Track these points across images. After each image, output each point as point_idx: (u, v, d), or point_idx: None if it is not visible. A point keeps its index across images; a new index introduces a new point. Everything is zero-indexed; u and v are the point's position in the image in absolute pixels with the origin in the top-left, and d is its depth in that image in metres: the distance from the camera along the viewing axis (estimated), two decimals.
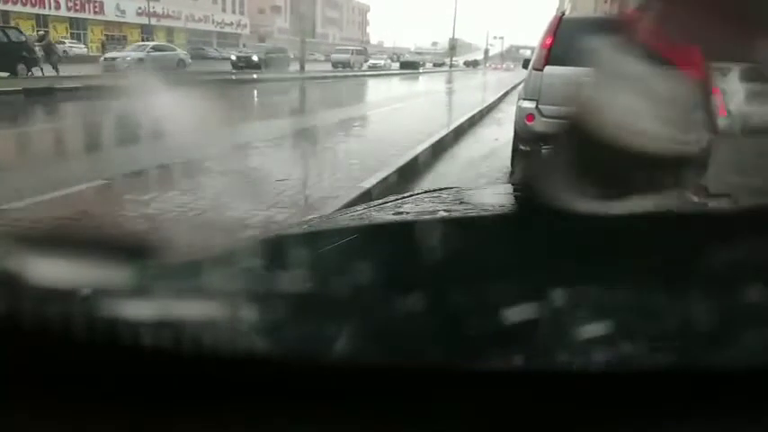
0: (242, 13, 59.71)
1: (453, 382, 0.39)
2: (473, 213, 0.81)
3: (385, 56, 52.04)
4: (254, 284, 0.47)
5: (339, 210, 1.23)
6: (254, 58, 28.81)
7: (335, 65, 38.52)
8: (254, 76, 22.30)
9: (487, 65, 77.46)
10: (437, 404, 0.39)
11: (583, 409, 0.39)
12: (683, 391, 0.40)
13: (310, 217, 1.03)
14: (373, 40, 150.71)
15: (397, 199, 1.01)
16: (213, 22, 54.53)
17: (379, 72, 36.31)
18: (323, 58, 54.07)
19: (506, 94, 19.34)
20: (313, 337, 0.40)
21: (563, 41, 5.14)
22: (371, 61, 45.58)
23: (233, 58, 29.94)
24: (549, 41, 5.28)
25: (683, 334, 0.42)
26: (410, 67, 45.18)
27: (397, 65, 48.45)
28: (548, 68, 5.21)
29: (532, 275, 0.47)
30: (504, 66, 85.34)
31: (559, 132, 0.62)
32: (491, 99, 16.23)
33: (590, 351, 0.39)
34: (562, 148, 0.62)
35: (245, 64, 27.91)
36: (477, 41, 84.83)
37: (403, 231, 0.72)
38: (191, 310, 0.41)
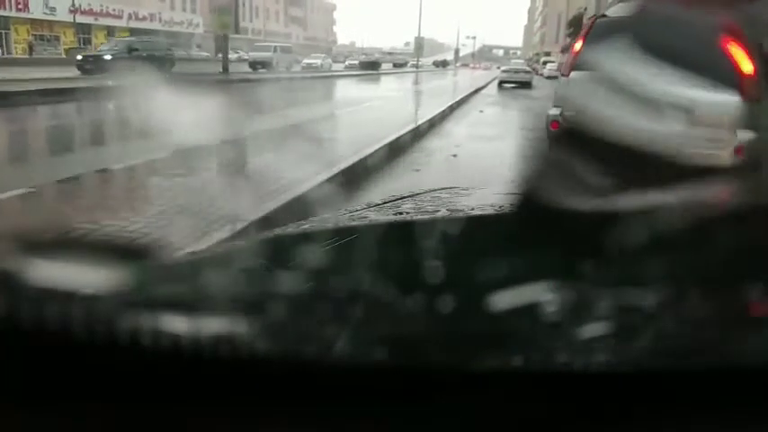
0: (194, 11, 55.43)
1: (453, 381, 0.39)
2: (473, 213, 0.83)
3: (323, 55, 43.47)
4: (254, 284, 0.48)
5: (339, 210, 1.08)
6: (107, 57, 19.27)
7: (254, 65, 29.85)
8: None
9: (458, 64, 74.73)
10: (437, 404, 0.40)
11: (583, 409, 0.40)
12: (682, 391, 0.40)
13: (310, 217, 0.95)
14: (344, 40, 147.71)
15: (397, 199, 1.03)
16: (161, 21, 50.26)
17: (313, 74, 30.08)
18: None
19: (461, 102, 15.64)
20: (313, 337, 0.40)
21: (595, 45, 5.04)
22: (306, 61, 38.55)
23: (79, 57, 20.51)
24: (577, 46, 5.40)
25: (682, 334, 0.43)
26: (370, 67, 41.21)
27: (344, 65, 43.33)
28: (573, 74, 5.23)
29: (533, 275, 0.47)
30: (482, 65, 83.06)
31: (561, 135, 0.64)
32: (429, 115, 11.04)
33: (590, 351, 0.40)
34: (564, 151, 0.63)
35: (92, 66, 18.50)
36: (451, 41, 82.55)
37: (403, 231, 0.74)
38: (190, 310, 0.41)
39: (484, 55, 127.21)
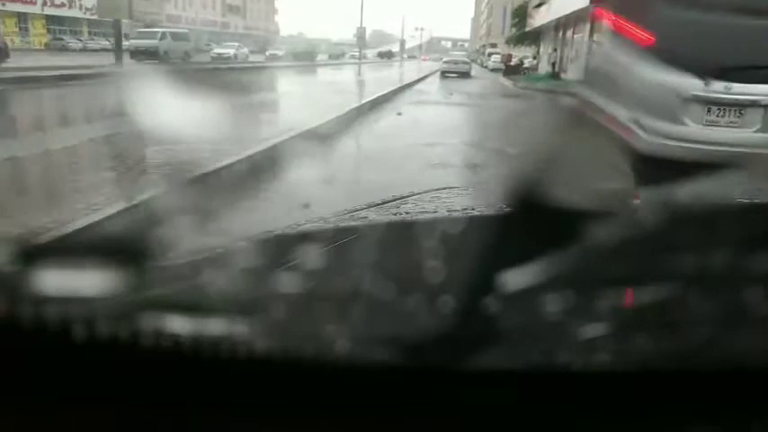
0: None
1: (452, 381, 0.40)
2: (473, 213, 0.83)
3: (237, 44, 36.75)
4: (254, 285, 0.48)
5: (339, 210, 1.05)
6: None
7: (136, 55, 23.45)
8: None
9: (405, 56, 72.67)
10: (436, 404, 0.40)
11: (583, 409, 0.40)
12: (682, 391, 0.40)
13: (310, 217, 0.94)
14: (292, 31, 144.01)
15: (397, 199, 1.03)
16: (81, 8, 46.43)
17: (218, 66, 24.93)
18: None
19: (377, 104, 12.04)
20: (313, 337, 0.40)
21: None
22: (217, 50, 33.58)
23: None
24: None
25: (682, 334, 0.43)
26: (304, 58, 38.43)
27: (265, 55, 39.02)
28: None
29: (533, 275, 0.46)
30: (430, 57, 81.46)
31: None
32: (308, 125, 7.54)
33: (590, 351, 0.40)
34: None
35: None
36: (399, 33, 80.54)
37: (403, 231, 0.74)
38: (190, 311, 0.41)
39: (432, 47, 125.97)
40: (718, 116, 4.10)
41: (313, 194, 3.82)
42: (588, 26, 20.41)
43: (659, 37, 4.02)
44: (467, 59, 32.77)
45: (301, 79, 22.11)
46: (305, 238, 0.74)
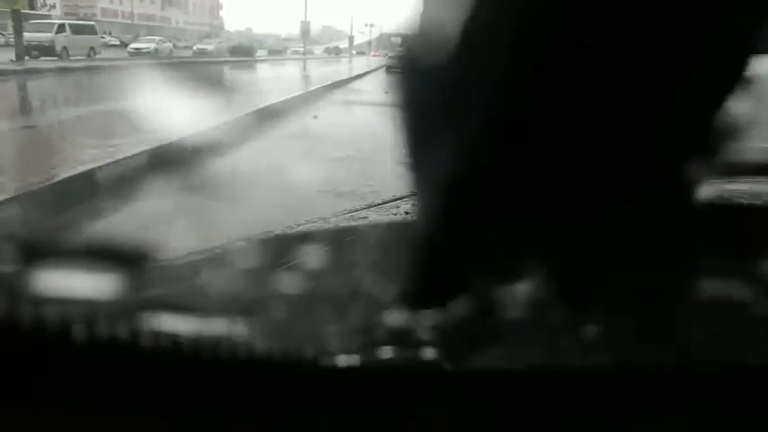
0: None
1: (453, 381, 0.40)
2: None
3: (158, 38, 33.86)
4: (254, 284, 0.48)
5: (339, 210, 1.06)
6: None
7: (29, 51, 19.51)
8: None
9: (353, 52, 71.07)
10: (436, 404, 0.40)
11: (583, 409, 0.40)
12: (682, 391, 0.40)
13: (310, 218, 0.92)
14: (240, 27, 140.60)
15: (397, 199, 1.02)
16: None
17: (136, 63, 21.95)
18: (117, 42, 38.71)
19: (283, 110, 9.71)
20: (313, 337, 0.40)
21: None
22: (135, 45, 30.62)
23: None
24: None
25: (682, 334, 0.43)
26: (241, 53, 36.02)
27: (193, 50, 35.99)
28: None
29: (533, 275, 0.46)
30: (380, 53, 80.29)
31: None
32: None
33: (590, 351, 0.40)
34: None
35: None
36: (349, 29, 78.83)
37: (403, 231, 0.72)
38: (190, 311, 0.41)
39: (383, 43, 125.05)
40: None
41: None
42: None
43: None
44: None
45: (216, 76, 19.71)
46: (305, 238, 0.73)
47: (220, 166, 5.92)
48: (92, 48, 23.56)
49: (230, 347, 0.38)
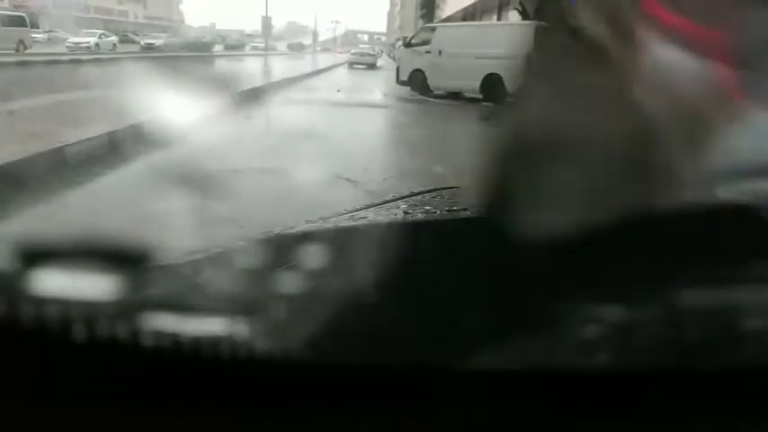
0: None
1: (453, 381, 0.40)
2: (473, 213, 0.81)
3: (100, 32, 30.71)
4: (254, 284, 0.48)
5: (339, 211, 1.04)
6: None
7: None
8: None
9: (318, 48, 70.34)
10: (437, 404, 0.40)
11: (583, 409, 0.40)
12: (683, 391, 0.40)
13: (310, 218, 0.92)
14: (204, 22, 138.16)
15: (397, 199, 1.02)
16: None
17: (72, 58, 19.74)
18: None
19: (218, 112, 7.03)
20: (313, 338, 0.40)
21: None
22: (73, 39, 27.68)
23: None
24: None
25: (682, 334, 0.43)
26: (196, 49, 34.49)
27: (140, 44, 32.37)
28: None
29: (533, 275, 0.46)
30: (345, 50, 79.76)
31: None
32: None
33: (590, 351, 0.40)
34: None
35: None
36: (318, 25, 78.01)
37: (403, 231, 0.73)
38: (190, 311, 0.41)
39: (349, 40, 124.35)
40: None
41: None
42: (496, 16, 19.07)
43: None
44: (372, 52, 34.97)
45: (145, 76, 18.51)
46: (305, 238, 0.73)
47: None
48: (21, 41, 21.28)
49: (230, 347, 0.38)
